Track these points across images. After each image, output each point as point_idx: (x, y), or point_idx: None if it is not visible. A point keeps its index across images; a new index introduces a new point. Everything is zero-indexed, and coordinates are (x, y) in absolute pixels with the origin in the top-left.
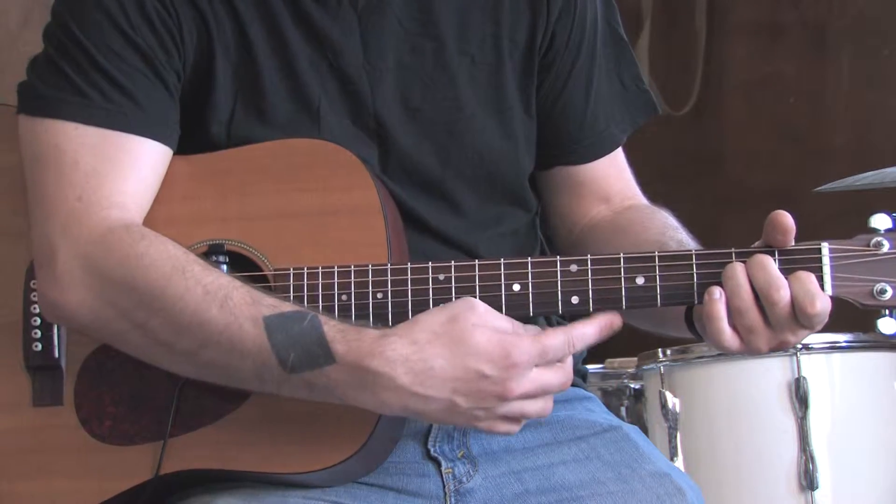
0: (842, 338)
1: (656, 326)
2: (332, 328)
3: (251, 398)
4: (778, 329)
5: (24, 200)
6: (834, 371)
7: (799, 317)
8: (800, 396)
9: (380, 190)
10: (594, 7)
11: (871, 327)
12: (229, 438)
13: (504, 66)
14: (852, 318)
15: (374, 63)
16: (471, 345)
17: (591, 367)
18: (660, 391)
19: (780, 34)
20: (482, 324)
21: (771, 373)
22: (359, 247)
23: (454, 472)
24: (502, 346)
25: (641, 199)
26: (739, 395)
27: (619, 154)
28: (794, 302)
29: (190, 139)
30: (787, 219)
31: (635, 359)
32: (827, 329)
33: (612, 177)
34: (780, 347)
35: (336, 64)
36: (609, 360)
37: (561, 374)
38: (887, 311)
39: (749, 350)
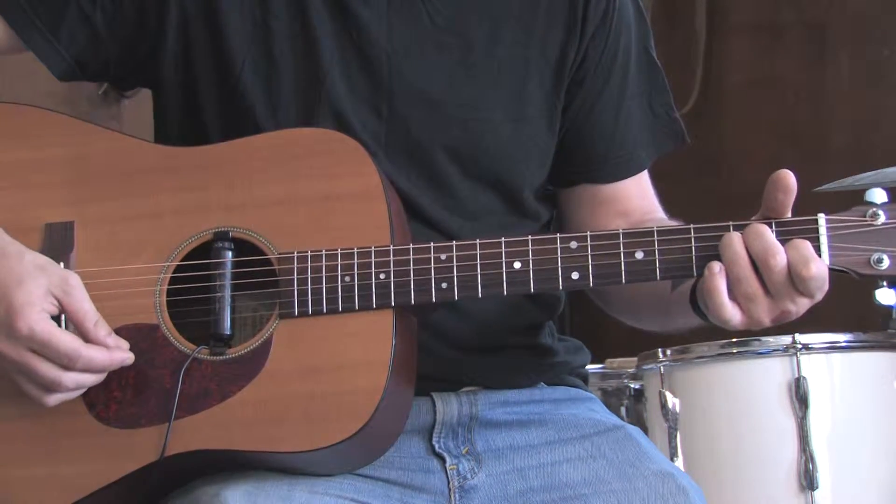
0: (842, 338)
1: (663, 319)
2: None
3: (255, 379)
4: (777, 297)
5: (33, 194)
6: (834, 371)
7: (796, 282)
8: (800, 396)
9: (383, 177)
10: (629, 30)
11: (871, 327)
12: (233, 419)
13: (530, 78)
14: (852, 318)
15: (397, 49)
16: (24, 288)
17: (591, 367)
18: (660, 391)
19: (780, 34)
20: (61, 297)
21: (771, 373)
22: (363, 230)
23: (458, 468)
24: (24, 306)
25: (660, 214)
26: (739, 395)
27: (643, 175)
28: (790, 267)
29: (200, 101)
30: (789, 177)
31: (635, 359)
32: (827, 329)
33: (634, 195)
34: (782, 318)
35: (358, 43)
36: (609, 360)
37: (48, 369)
38: (885, 283)
39: (751, 321)
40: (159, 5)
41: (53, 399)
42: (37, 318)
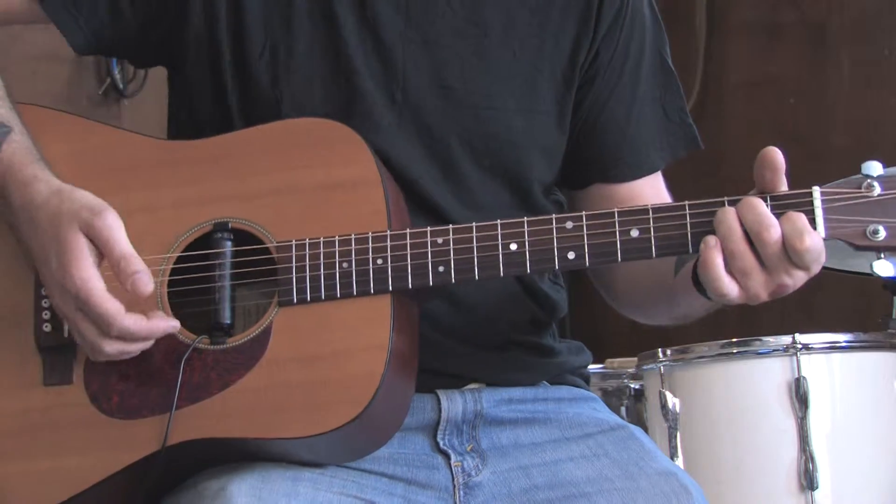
0: (842, 338)
1: (668, 306)
2: (12, 146)
3: (255, 368)
4: (773, 271)
5: None
6: (834, 371)
7: (790, 254)
8: (800, 396)
9: (379, 165)
10: (642, 31)
11: (871, 327)
12: (234, 407)
13: (543, 70)
14: (852, 318)
15: (413, 36)
16: (65, 241)
17: (591, 367)
18: (660, 391)
19: (780, 34)
20: (93, 240)
21: (771, 373)
22: (360, 218)
23: (463, 465)
24: (70, 262)
25: None
26: (739, 395)
27: (657, 177)
28: (784, 240)
29: (222, 79)
30: (776, 154)
31: (635, 359)
32: (827, 329)
33: (649, 196)
34: (779, 292)
35: (374, 26)
36: (609, 360)
37: (91, 332)
38: (882, 254)
39: (748, 296)
40: None
41: (99, 357)
42: (84, 277)
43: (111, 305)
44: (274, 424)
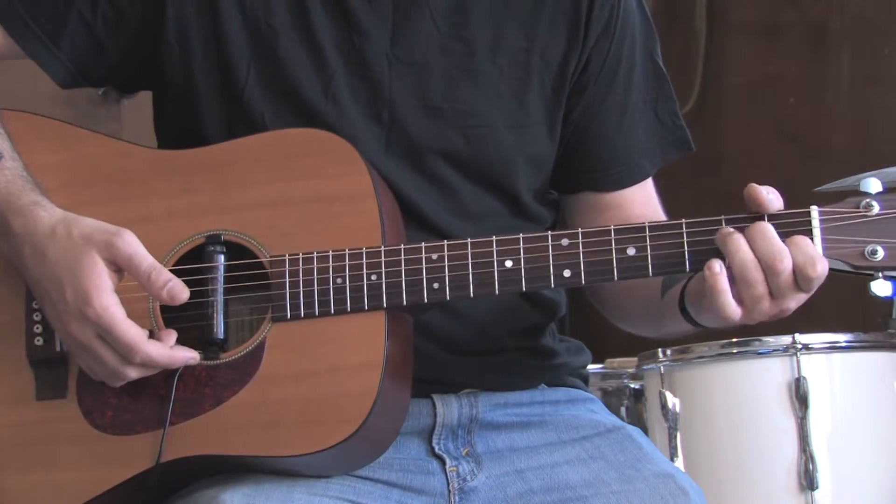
0: (842, 338)
1: (656, 325)
2: (5, 173)
3: (249, 384)
4: (779, 296)
5: None
6: (834, 371)
7: (800, 282)
8: (800, 396)
9: (374, 176)
10: (633, 36)
11: (871, 327)
12: (228, 424)
13: (532, 83)
14: (852, 318)
15: (399, 55)
16: (83, 268)
17: (591, 367)
18: (660, 391)
19: (780, 34)
20: (114, 261)
21: (771, 373)
22: (354, 231)
23: (458, 470)
24: (90, 290)
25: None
26: (739, 395)
27: (647, 182)
28: (794, 268)
29: (199, 105)
30: (756, 192)
31: (635, 359)
32: (827, 329)
33: (638, 203)
34: (780, 316)
35: (359, 47)
36: (609, 360)
37: (112, 358)
38: (880, 274)
39: (751, 319)
40: (158, 10)
41: (119, 383)
42: (105, 304)
43: (134, 332)
44: (270, 442)
